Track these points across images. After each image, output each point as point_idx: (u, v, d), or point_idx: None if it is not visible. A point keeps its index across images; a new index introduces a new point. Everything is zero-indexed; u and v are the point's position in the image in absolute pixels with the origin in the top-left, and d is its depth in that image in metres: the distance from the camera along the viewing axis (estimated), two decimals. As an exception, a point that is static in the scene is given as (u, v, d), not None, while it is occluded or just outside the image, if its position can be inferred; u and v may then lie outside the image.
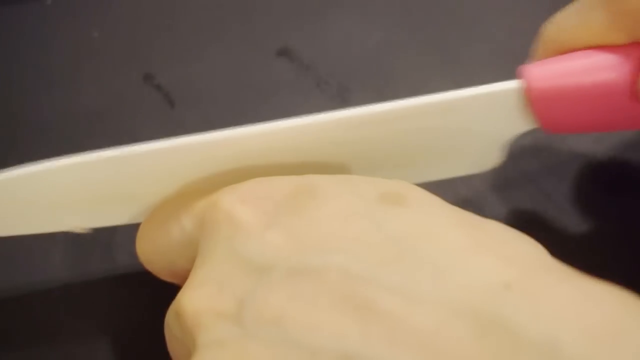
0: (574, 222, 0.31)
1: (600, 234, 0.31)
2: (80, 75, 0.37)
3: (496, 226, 0.21)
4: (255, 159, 0.27)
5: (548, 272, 0.19)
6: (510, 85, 0.26)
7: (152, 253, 0.26)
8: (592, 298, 0.18)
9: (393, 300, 0.18)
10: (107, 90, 0.36)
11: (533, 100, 0.25)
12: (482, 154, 0.29)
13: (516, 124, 0.27)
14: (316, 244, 0.20)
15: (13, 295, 0.30)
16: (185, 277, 0.23)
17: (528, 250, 0.20)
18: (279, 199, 0.22)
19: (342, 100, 0.35)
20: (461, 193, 0.32)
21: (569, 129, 0.27)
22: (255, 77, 0.36)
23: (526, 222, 0.31)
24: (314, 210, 0.21)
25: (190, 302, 0.21)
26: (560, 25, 0.26)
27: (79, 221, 0.29)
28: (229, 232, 0.22)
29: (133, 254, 0.26)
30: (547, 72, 0.25)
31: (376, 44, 0.37)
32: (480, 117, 0.27)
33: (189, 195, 0.25)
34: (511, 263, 0.19)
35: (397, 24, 0.38)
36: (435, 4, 0.38)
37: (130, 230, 0.27)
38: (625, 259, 0.30)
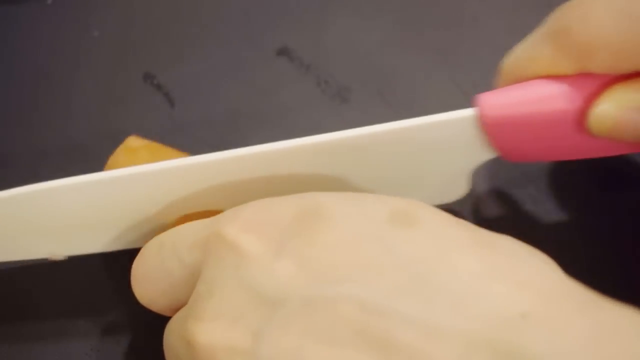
0: (574, 221, 0.31)
1: (601, 233, 0.31)
2: (80, 75, 0.37)
3: (508, 244, 0.21)
4: (228, 184, 0.27)
5: (564, 299, 0.19)
6: (466, 113, 0.26)
7: (153, 296, 0.25)
8: (609, 327, 0.18)
9: (411, 333, 0.18)
10: (107, 90, 0.36)
11: (487, 128, 0.26)
12: (448, 185, 0.29)
13: (476, 151, 0.27)
14: (328, 272, 0.20)
15: (13, 295, 0.30)
16: None
17: (542, 272, 0.20)
18: (284, 223, 0.21)
19: (342, 99, 0.35)
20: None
21: (524, 157, 0.28)
22: (255, 76, 0.36)
23: (526, 222, 0.31)
24: (322, 234, 0.21)
25: (205, 335, 0.20)
26: (515, 57, 0.27)
27: (55, 249, 0.29)
28: (235, 262, 0.21)
29: (133, 253, 0.26)
30: (498, 100, 0.26)
31: (376, 44, 0.37)
32: (440, 144, 0.27)
33: (178, 230, 0.24)
34: (527, 289, 0.19)
35: (397, 24, 0.38)
36: (435, 4, 0.38)
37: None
38: (625, 257, 0.30)
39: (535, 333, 0.17)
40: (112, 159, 0.31)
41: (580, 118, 0.25)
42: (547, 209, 0.32)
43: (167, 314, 0.25)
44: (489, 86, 0.35)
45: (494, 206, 0.32)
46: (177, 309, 0.24)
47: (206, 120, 0.35)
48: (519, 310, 0.18)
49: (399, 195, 0.29)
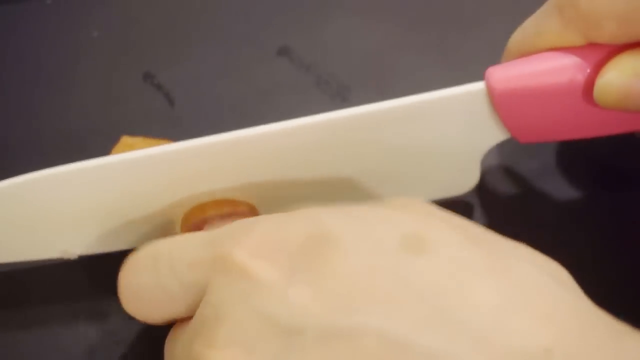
0: (574, 221, 0.31)
1: (601, 232, 0.31)
2: (80, 75, 0.37)
3: (523, 266, 0.20)
4: (234, 166, 0.27)
5: (586, 331, 0.18)
6: (476, 86, 0.27)
7: (147, 311, 0.24)
8: (633, 358, 0.18)
9: None
10: (107, 89, 0.36)
11: (496, 101, 0.26)
12: (460, 172, 0.29)
13: (486, 130, 0.27)
14: (344, 302, 0.19)
15: (13, 295, 0.30)
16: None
17: (562, 300, 0.19)
18: (294, 249, 0.21)
19: (342, 99, 0.35)
20: (462, 194, 0.32)
21: (534, 135, 0.27)
22: (255, 76, 0.36)
23: (527, 222, 0.31)
24: (334, 263, 0.20)
25: None
26: (522, 32, 0.27)
27: (68, 247, 0.29)
28: (247, 288, 0.20)
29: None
30: (507, 73, 0.26)
31: (376, 44, 0.37)
32: (450, 119, 0.27)
33: (173, 244, 0.24)
34: (549, 322, 0.18)
35: (397, 24, 0.38)
36: (435, 4, 0.38)
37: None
38: (625, 256, 0.30)
39: None
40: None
41: (588, 89, 0.25)
42: (547, 209, 0.32)
43: (158, 324, 0.24)
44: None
45: (494, 206, 0.32)
46: (171, 320, 0.24)
47: (206, 120, 0.35)
48: (542, 345, 0.18)
49: (411, 186, 0.29)
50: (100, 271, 0.30)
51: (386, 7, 0.38)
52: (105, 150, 0.33)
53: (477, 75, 0.36)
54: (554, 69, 0.25)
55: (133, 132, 0.34)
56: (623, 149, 0.33)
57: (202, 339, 0.21)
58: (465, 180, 0.30)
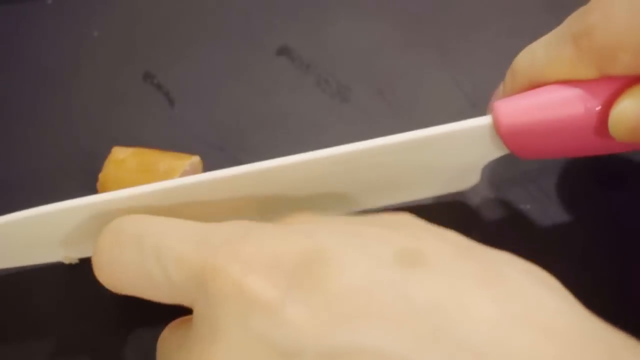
0: (574, 221, 0.31)
1: (601, 231, 0.31)
2: (80, 74, 0.37)
3: (516, 277, 0.20)
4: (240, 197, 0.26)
5: (586, 343, 0.18)
6: (481, 121, 0.26)
7: (124, 286, 0.23)
8: None
9: None
10: (107, 89, 0.36)
11: (503, 135, 0.26)
12: (461, 177, 0.29)
13: (489, 151, 0.27)
14: (342, 321, 0.19)
15: (13, 295, 0.30)
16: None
17: (559, 311, 0.19)
18: (289, 267, 0.20)
19: (342, 99, 0.35)
20: (462, 193, 0.32)
21: (538, 156, 0.27)
22: (255, 76, 0.36)
23: (527, 221, 0.31)
24: (330, 281, 0.19)
25: None
26: (531, 57, 0.26)
27: (68, 253, 0.29)
28: (242, 307, 0.20)
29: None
30: (515, 108, 0.26)
31: (376, 43, 0.37)
32: (455, 150, 0.27)
33: (161, 228, 0.23)
34: (549, 336, 0.18)
35: (397, 23, 0.38)
36: (436, 3, 0.38)
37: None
38: (625, 255, 0.30)
39: None
40: (102, 175, 0.31)
41: (601, 123, 0.25)
42: (547, 209, 0.32)
43: (127, 295, 0.24)
44: (489, 85, 0.35)
45: (495, 206, 0.32)
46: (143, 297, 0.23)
47: (206, 119, 0.35)
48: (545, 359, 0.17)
49: (411, 190, 0.29)
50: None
51: (386, 7, 0.38)
52: (104, 149, 0.34)
53: (476, 76, 0.36)
54: (564, 105, 0.25)
55: (133, 133, 0.34)
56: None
57: (198, 357, 0.20)
58: (465, 183, 0.30)
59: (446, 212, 0.31)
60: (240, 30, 0.38)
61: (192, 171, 0.31)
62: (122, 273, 0.23)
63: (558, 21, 0.26)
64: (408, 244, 0.20)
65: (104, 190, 0.29)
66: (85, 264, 0.30)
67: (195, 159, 0.31)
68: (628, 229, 0.31)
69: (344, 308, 0.19)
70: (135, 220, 0.24)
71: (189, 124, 0.35)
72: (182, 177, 0.27)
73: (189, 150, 0.32)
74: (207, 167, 0.33)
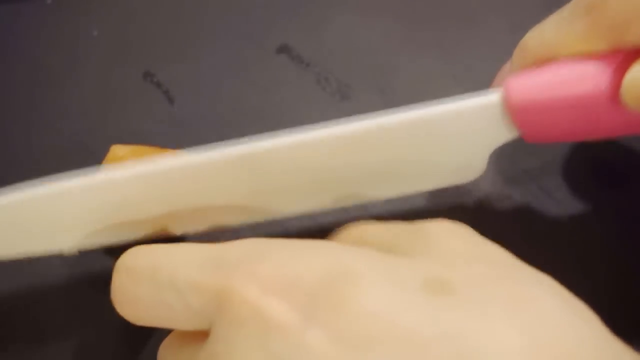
0: (575, 219, 0.31)
1: (601, 230, 0.31)
2: (80, 74, 0.37)
3: (548, 296, 0.19)
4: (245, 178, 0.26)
5: None
6: (491, 97, 0.26)
7: (144, 318, 0.23)
8: None
9: None
10: (107, 88, 0.36)
11: (512, 111, 0.26)
12: (466, 165, 0.29)
13: (498, 133, 0.27)
14: (363, 346, 0.18)
15: (13, 295, 0.30)
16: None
17: (585, 339, 0.18)
18: (310, 286, 0.19)
19: (342, 97, 0.35)
20: (462, 192, 0.32)
21: (549, 138, 0.27)
22: (255, 74, 0.36)
23: (528, 220, 0.31)
24: (354, 302, 0.19)
25: None
26: (541, 35, 0.26)
27: (67, 244, 0.29)
28: (260, 330, 0.19)
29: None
30: (526, 84, 0.25)
31: (376, 41, 0.37)
32: (463, 128, 0.27)
33: (173, 255, 0.22)
34: None
35: (397, 21, 0.37)
36: (435, 1, 0.38)
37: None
38: (626, 254, 0.30)
39: None
40: None
41: (614, 96, 0.24)
42: (548, 207, 0.32)
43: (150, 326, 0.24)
44: (490, 82, 0.35)
45: (495, 205, 0.32)
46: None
47: (206, 118, 0.35)
48: None
49: (415, 178, 0.28)
50: (100, 270, 0.30)
51: (386, 4, 0.38)
52: (104, 149, 0.33)
53: (476, 73, 0.36)
54: (577, 80, 0.25)
55: (133, 131, 0.34)
56: (623, 148, 0.33)
57: None
58: (471, 172, 0.29)
59: (446, 212, 0.31)
60: (240, 28, 0.38)
61: None
62: (141, 308, 0.23)
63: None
64: (436, 270, 0.20)
65: None
66: (86, 265, 0.31)
67: None
68: (628, 228, 0.31)
69: (365, 332, 0.18)
70: (146, 253, 0.23)
71: (189, 122, 0.35)
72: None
73: (188, 147, 0.32)
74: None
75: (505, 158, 0.33)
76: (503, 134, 0.27)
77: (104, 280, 0.30)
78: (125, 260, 0.23)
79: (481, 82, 0.35)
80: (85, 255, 0.30)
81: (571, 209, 0.32)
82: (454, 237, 0.22)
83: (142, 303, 0.22)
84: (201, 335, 0.21)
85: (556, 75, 0.25)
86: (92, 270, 0.31)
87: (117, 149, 0.31)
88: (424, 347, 0.18)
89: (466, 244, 0.22)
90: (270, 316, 0.19)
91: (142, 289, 0.22)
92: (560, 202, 0.32)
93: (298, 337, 0.19)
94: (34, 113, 0.36)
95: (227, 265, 0.21)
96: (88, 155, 0.34)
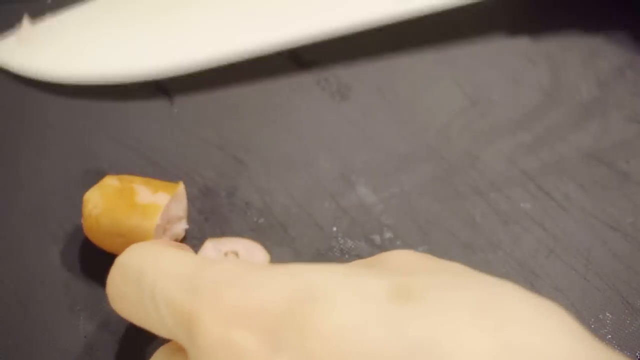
0: (574, 218, 0.31)
1: (602, 229, 0.31)
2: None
3: (515, 300, 0.19)
4: None
5: None
6: None
7: (130, 316, 0.24)
8: None
9: None
10: (107, 88, 0.36)
11: None
12: None
13: None
14: None
15: (12, 295, 0.30)
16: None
17: (557, 336, 0.18)
18: (277, 313, 0.19)
19: (342, 97, 0.35)
20: (462, 190, 0.32)
21: None
22: (255, 75, 0.36)
23: (527, 219, 0.31)
24: (320, 322, 0.19)
25: None
26: None
27: None
28: (229, 359, 0.19)
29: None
30: None
31: (376, 41, 0.37)
32: None
33: (158, 263, 0.22)
34: None
35: (396, 21, 0.37)
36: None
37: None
38: (627, 252, 0.30)
39: None
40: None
41: None
42: (547, 207, 0.32)
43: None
44: (489, 84, 0.35)
45: (495, 204, 0.32)
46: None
47: (206, 118, 0.35)
48: None
49: None
50: (100, 269, 0.30)
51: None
52: (104, 148, 0.34)
53: (476, 73, 0.36)
54: None
55: (134, 131, 0.34)
56: (623, 147, 0.33)
57: None
58: None
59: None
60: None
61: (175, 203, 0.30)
62: (128, 307, 0.23)
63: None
64: (400, 279, 0.20)
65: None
66: (86, 265, 0.31)
67: (179, 189, 0.30)
68: (628, 226, 0.31)
69: (335, 351, 0.18)
70: (139, 254, 0.23)
71: (189, 123, 0.35)
72: None
73: (188, 146, 0.33)
74: (207, 165, 0.33)
75: (505, 157, 0.33)
76: None
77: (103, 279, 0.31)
78: (123, 256, 0.24)
79: (480, 84, 0.35)
80: (82, 250, 0.31)
81: (570, 209, 0.32)
82: (414, 256, 0.22)
83: (129, 302, 0.23)
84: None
85: None
86: (92, 268, 0.31)
87: (108, 180, 0.30)
88: (395, 359, 0.18)
89: (428, 261, 0.22)
90: (236, 347, 0.19)
91: (129, 289, 0.23)
92: (559, 202, 0.32)
93: None
94: (34, 113, 0.36)
95: (199, 288, 0.21)
96: (89, 156, 0.34)
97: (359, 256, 0.30)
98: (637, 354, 0.27)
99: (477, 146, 0.33)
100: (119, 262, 0.24)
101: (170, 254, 0.23)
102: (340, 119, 0.35)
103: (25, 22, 0.37)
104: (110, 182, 0.29)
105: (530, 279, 0.30)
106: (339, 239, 0.31)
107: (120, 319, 0.29)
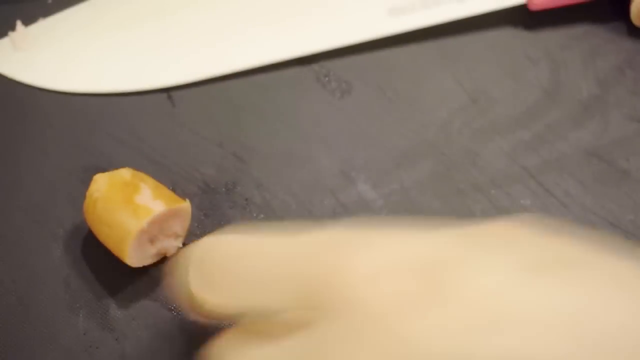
0: (575, 215, 0.31)
1: (602, 227, 0.31)
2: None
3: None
4: None
5: None
6: None
7: (225, 298, 0.22)
8: None
9: None
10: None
11: None
12: None
13: None
14: (485, 327, 0.17)
15: (12, 293, 0.30)
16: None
17: None
18: (417, 272, 0.19)
19: (342, 94, 0.35)
20: (462, 187, 0.32)
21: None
22: (255, 72, 0.36)
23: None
24: (466, 285, 0.18)
25: None
26: None
27: None
28: (369, 318, 0.19)
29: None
30: None
31: (376, 39, 0.37)
32: None
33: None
34: None
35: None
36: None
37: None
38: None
39: None
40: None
41: None
42: (547, 205, 0.32)
43: (209, 316, 0.23)
44: (489, 81, 0.35)
45: (495, 202, 0.32)
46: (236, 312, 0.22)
47: (206, 116, 0.35)
48: None
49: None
50: (100, 267, 0.30)
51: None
52: (105, 148, 0.33)
53: (477, 70, 0.36)
54: None
55: (135, 130, 0.34)
56: (623, 144, 0.33)
57: None
58: None
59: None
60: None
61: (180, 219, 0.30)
62: (233, 283, 0.22)
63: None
64: (534, 250, 0.19)
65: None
66: (86, 266, 0.31)
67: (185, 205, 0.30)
68: (628, 224, 0.31)
69: (484, 313, 0.18)
70: (235, 240, 0.23)
71: (189, 120, 0.35)
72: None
73: (187, 143, 0.33)
74: (206, 162, 0.33)
75: (505, 156, 0.33)
76: None
77: (103, 279, 0.31)
78: (219, 241, 0.23)
79: (481, 81, 0.35)
80: (83, 249, 0.30)
81: (570, 206, 0.32)
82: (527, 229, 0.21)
83: (240, 279, 0.22)
84: (270, 332, 0.21)
85: None
86: (91, 266, 0.31)
87: (123, 171, 0.30)
88: (546, 326, 0.17)
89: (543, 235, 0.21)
90: (379, 304, 0.19)
91: (244, 265, 0.22)
92: (560, 199, 0.32)
93: (411, 323, 0.18)
94: (35, 113, 0.36)
95: (329, 266, 0.20)
96: (89, 155, 0.34)
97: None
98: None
99: (477, 143, 0.33)
100: (219, 243, 0.23)
101: (269, 237, 0.22)
102: (340, 115, 0.35)
103: (19, 27, 0.37)
104: (123, 173, 0.29)
105: (531, 274, 0.30)
106: (339, 235, 0.31)
107: (120, 317, 0.29)
